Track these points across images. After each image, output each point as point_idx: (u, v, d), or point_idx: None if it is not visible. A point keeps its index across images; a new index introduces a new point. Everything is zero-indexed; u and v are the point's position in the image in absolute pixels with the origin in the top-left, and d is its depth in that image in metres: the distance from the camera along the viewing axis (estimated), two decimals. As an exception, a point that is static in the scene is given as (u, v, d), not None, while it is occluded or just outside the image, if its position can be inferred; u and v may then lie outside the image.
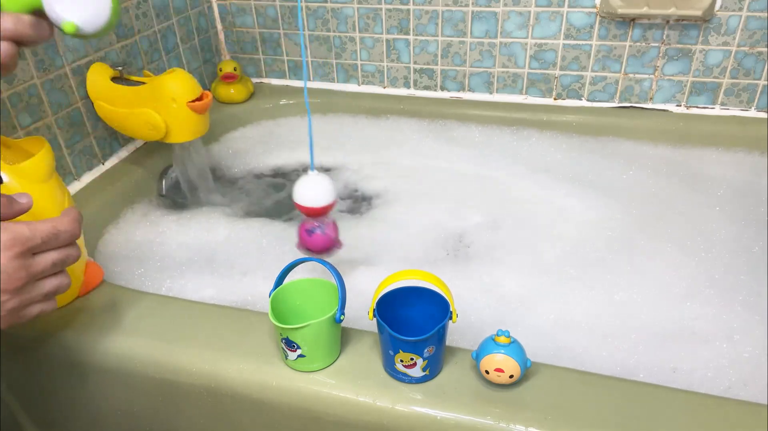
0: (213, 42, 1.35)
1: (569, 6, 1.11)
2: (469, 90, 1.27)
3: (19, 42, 0.50)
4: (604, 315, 0.80)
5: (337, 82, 1.35)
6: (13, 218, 0.51)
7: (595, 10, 1.11)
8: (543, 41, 1.17)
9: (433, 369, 0.60)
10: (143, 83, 0.98)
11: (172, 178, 1.10)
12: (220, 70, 1.29)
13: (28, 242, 0.49)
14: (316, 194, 0.79)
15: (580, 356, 0.74)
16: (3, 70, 0.51)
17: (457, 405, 0.58)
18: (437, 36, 1.22)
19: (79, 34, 0.50)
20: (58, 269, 0.52)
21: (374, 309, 0.58)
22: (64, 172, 0.97)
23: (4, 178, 0.66)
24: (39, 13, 0.50)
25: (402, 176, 1.13)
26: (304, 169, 1.20)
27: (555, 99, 1.22)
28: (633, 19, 1.10)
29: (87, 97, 1.00)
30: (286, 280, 0.64)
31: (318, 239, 0.83)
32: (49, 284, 0.52)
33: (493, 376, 0.57)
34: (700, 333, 0.76)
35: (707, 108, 1.15)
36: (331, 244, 0.85)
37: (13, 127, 0.88)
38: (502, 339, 0.56)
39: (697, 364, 0.72)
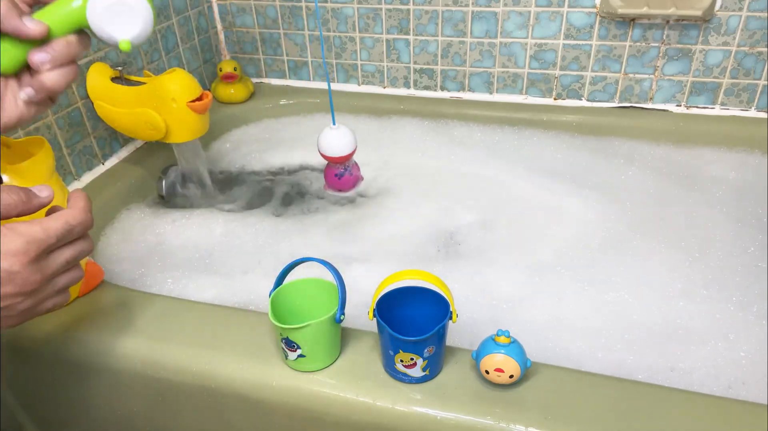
0: (213, 42, 1.35)
1: (569, 6, 1.12)
2: (469, 90, 1.27)
3: (71, 63, 0.50)
4: (600, 315, 0.80)
5: (337, 82, 1.35)
6: (33, 213, 0.51)
7: (595, 10, 1.11)
8: (543, 41, 1.17)
9: (433, 369, 0.60)
10: (143, 83, 0.98)
11: (172, 178, 1.10)
12: (220, 70, 1.29)
13: (42, 244, 0.48)
14: (340, 144, 0.98)
15: (575, 356, 0.74)
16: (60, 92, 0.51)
17: (457, 405, 0.58)
18: (437, 36, 1.22)
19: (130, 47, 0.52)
20: (72, 266, 0.52)
21: (374, 309, 0.58)
22: (64, 172, 0.97)
23: (4, 178, 0.66)
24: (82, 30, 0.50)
25: (402, 175, 1.13)
26: (302, 166, 1.22)
27: (555, 99, 1.22)
28: (633, 19, 1.10)
29: (87, 97, 1.00)
30: (286, 280, 0.64)
31: (347, 180, 1.06)
32: (63, 280, 0.51)
33: (493, 376, 0.57)
34: (697, 333, 0.76)
35: (707, 108, 1.15)
36: (357, 180, 1.08)
37: (13, 127, 0.88)
38: (503, 339, 0.56)
39: (695, 364, 0.72)
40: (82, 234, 0.52)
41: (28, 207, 0.50)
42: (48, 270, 0.49)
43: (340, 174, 1.05)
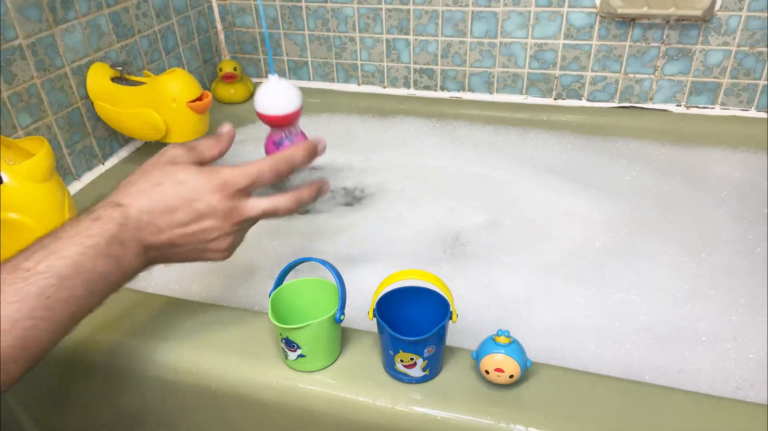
0: (213, 42, 1.35)
1: (569, 6, 1.12)
2: (469, 90, 1.27)
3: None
4: (606, 316, 0.80)
5: (337, 82, 1.35)
6: (220, 156, 0.60)
7: (595, 10, 1.11)
8: (543, 41, 1.17)
9: (433, 369, 0.60)
10: (143, 83, 0.98)
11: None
12: (220, 70, 1.29)
13: (237, 184, 0.55)
14: (279, 101, 0.72)
15: (582, 357, 0.73)
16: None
17: (457, 405, 0.58)
18: (437, 36, 1.22)
19: None
20: (267, 216, 0.59)
21: (374, 309, 0.58)
22: (64, 172, 0.97)
23: (4, 178, 0.66)
24: None
25: (402, 175, 1.13)
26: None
27: (555, 99, 1.22)
28: (633, 19, 1.10)
29: (87, 97, 1.00)
30: (286, 280, 0.64)
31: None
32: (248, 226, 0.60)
33: (493, 376, 0.57)
34: (705, 334, 0.76)
35: (707, 108, 1.15)
36: None
37: (13, 127, 0.88)
38: (502, 339, 0.56)
39: (703, 366, 0.72)
40: (273, 181, 0.58)
41: (222, 146, 0.60)
42: (244, 210, 0.56)
43: (279, 142, 0.81)
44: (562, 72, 1.19)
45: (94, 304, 0.51)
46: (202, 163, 0.58)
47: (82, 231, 0.50)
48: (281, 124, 0.74)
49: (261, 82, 1.39)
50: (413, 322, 0.62)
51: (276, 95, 0.75)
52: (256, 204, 0.57)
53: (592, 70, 1.17)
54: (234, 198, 0.55)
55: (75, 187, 0.98)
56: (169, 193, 0.53)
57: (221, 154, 0.60)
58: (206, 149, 0.59)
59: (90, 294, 0.49)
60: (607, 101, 1.20)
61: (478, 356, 0.57)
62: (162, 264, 0.58)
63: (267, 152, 0.80)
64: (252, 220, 0.58)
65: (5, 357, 0.44)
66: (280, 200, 0.59)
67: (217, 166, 0.56)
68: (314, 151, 0.63)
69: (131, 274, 0.54)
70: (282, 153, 0.59)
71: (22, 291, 0.45)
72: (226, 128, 0.61)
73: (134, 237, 0.52)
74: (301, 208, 0.61)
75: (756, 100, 1.12)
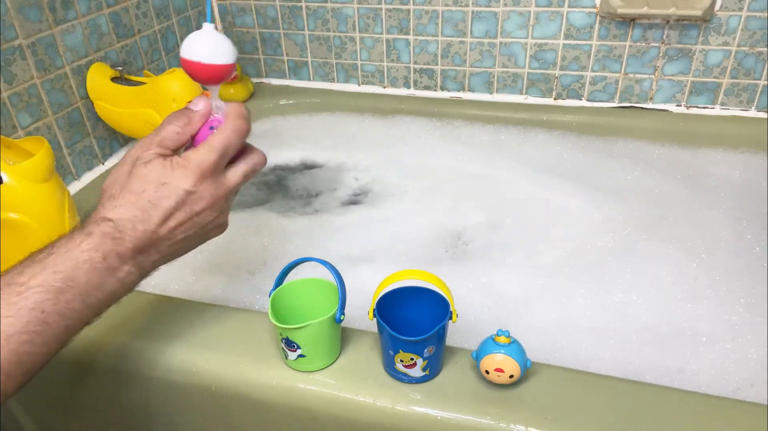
0: (213, 42, 1.35)
1: (569, 6, 1.12)
2: (469, 90, 1.27)
3: None
4: (606, 316, 0.80)
5: (337, 82, 1.35)
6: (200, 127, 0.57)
7: (595, 10, 1.11)
8: (543, 41, 1.17)
9: (433, 369, 0.60)
10: (143, 83, 0.98)
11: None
12: (220, 70, 1.29)
13: (209, 162, 0.54)
14: (214, 49, 0.59)
15: (582, 358, 0.74)
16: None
17: (457, 405, 0.58)
18: (437, 36, 1.22)
19: None
20: (249, 178, 0.58)
21: (374, 309, 0.58)
22: (64, 172, 0.97)
23: (4, 178, 0.66)
24: None
25: (402, 175, 1.13)
26: (304, 165, 1.22)
27: (555, 99, 1.22)
28: (633, 19, 1.10)
29: (87, 97, 1.00)
30: (286, 280, 0.64)
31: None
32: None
33: (493, 376, 0.57)
34: (704, 334, 0.76)
35: (707, 108, 1.15)
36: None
37: (13, 127, 0.88)
38: (502, 339, 0.56)
39: (702, 366, 0.72)
40: (241, 142, 0.57)
41: (193, 127, 0.56)
42: (228, 183, 0.56)
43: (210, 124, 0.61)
44: (562, 72, 1.19)
45: (91, 317, 0.51)
46: (173, 151, 0.55)
47: (76, 246, 0.49)
48: (214, 76, 0.60)
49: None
50: (413, 322, 0.62)
51: (212, 43, 0.60)
52: (236, 171, 0.57)
53: (592, 70, 1.17)
54: (214, 176, 0.55)
55: (75, 186, 0.98)
56: (155, 198, 0.52)
57: (189, 139, 0.56)
58: (171, 140, 0.55)
59: (86, 308, 0.49)
60: (607, 101, 1.20)
61: (478, 356, 0.57)
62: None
63: (198, 139, 0.60)
64: (237, 188, 0.58)
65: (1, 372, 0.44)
66: (252, 157, 0.59)
67: (185, 154, 0.55)
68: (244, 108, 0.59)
69: (131, 285, 0.54)
70: (232, 113, 0.56)
71: (16, 306, 0.45)
72: (199, 105, 0.56)
73: (131, 247, 0.52)
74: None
75: (756, 100, 1.12)
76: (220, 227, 0.58)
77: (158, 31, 1.16)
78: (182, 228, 0.54)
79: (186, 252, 0.58)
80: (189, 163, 0.53)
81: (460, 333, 0.72)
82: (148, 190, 0.53)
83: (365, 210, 1.06)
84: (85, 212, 0.83)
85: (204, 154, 0.54)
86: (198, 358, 0.65)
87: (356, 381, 0.61)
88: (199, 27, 1.33)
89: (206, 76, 0.58)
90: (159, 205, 0.52)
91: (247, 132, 0.57)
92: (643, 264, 0.88)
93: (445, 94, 1.29)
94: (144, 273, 0.55)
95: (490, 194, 1.06)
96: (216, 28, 0.70)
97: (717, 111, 1.14)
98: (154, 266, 0.56)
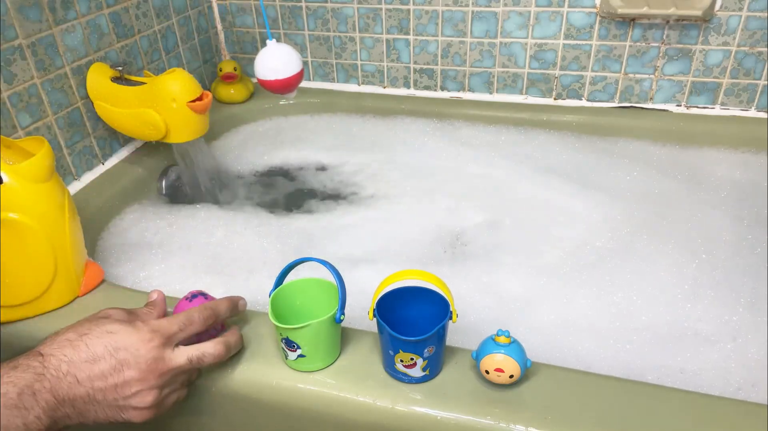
0: (213, 42, 1.35)
1: (569, 6, 1.11)
2: (469, 90, 1.27)
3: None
4: (606, 316, 0.80)
5: (337, 82, 1.35)
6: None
7: (595, 10, 1.11)
8: (543, 41, 1.17)
9: (433, 369, 0.60)
10: (143, 83, 0.98)
11: (172, 178, 1.10)
12: (220, 70, 1.29)
13: (165, 332, 0.55)
14: (285, 63, 0.67)
15: (583, 358, 0.74)
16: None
17: (457, 405, 0.58)
18: (437, 36, 1.22)
19: None
20: (194, 365, 0.58)
21: (374, 309, 0.58)
22: (64, 172, 0.97)
23: (4, 178, 0.66)
24: None
25: (402, 175, 1.13)
26: (304, 165, 1.21)
27: (555, 99, 1.22)
28: (633, 19, 1.10)
29: (87, 97, 1.00)
30: (286, 280, 0.64)
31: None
32: (183, 377, 0.58)
33: (493, 376, 0.57)
34: (705, 335, 0.76)
35: (707, 108, 1.15)
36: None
37: (13, 127, 0.88)
38: (502, 339, 0.56)
39: (704, 366, 0.72)
40: (201, 328, 0.59)
41: (160, 309, 0.62)
42: (170, 362, 0.55)
43: (190, 297, 0.66)
44: (562, 72, 1.19)
45: None
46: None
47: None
48: (284, 87, 0.71)
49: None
50: (413, 322, 0.62)
51: (280, 59, 0.71)
52: (182, 352, 0.56)
53: (592, 70, 1.17)
54: (162, 347, 0.54)
55: (75, 187, 0.98)
56: (93, 342, 0.52)
57: (159, 318, 0.60)
58: (144, 313, 0.60)
59: None
60: (607, 101, 1.20)
61: (478, 356, 0.57)
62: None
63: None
64: (178, 370, 0.56)
65: None
66: (206, 346, 0.58)
67: (149, 319, 0.58)
68: (236, 307, 0.65)
69: None
70: (208, 303, 0.61)
71: None
72: (153, 296, 0.64)
73: (50, 388, 0.49)
74: (230, 353, 0.61)
75: (756, 100, 1.12)
76: (142, 409, 0.54)
77: (158, 31, 1.15)
78: (102, 384, 0.52)
79: (97, 421, 0.54)
80: (146, 324, 0.55)
81: (460, 333, 0.72)
82: (92, 333, 0.53)
83: (365, 210, 1.06)
84: (84, 212, 0.83)
85: (163, 322, 0.56)
86: (198, 358, 0.65)
87: (356, 381, 0.61)
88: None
89: (283, 87, 0.68)
90: (92, 348, 0.52)
91: (211, 324, 0.60)
92: (643, 264, 0.88)
93: (445, 94, 1.29)
94: (52, 421, 0.50)
95: (490, 194, 1.06)
96: (277, 41, 0.74)
97: (717, 111, 1.14)
98: (64, 420, 0.52)
